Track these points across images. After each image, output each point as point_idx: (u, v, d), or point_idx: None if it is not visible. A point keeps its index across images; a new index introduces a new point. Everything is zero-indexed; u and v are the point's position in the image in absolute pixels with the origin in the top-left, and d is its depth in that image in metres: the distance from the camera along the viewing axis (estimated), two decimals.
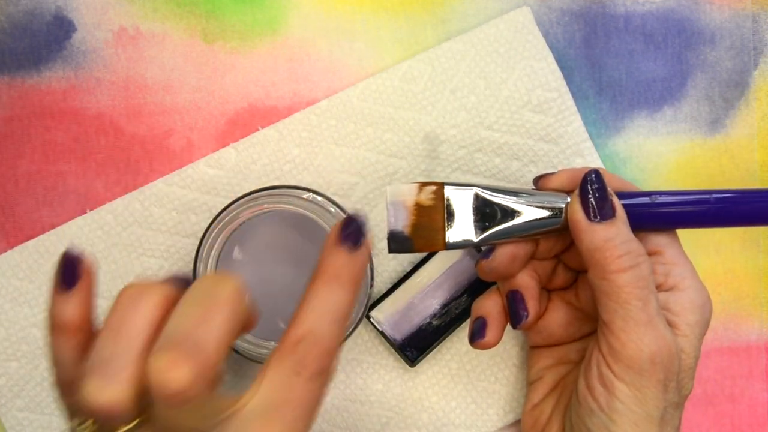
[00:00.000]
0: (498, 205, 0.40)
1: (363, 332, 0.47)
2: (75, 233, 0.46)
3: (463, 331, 0.47)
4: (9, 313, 0.46)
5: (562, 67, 0.47)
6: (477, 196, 0.40)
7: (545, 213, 0.40)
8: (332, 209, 0.41)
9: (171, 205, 0.46)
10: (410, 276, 0.46)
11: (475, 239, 0.40)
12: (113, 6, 0.47)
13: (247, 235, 0.44)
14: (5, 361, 0.46)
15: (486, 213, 0.40)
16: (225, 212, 0.41)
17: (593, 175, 0.38)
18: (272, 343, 0.42)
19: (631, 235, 0.38)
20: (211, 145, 0.47)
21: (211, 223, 0.41)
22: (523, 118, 0.47)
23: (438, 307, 0.46)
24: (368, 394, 0.47)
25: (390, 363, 0.47)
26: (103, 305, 0.46)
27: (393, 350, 0.46)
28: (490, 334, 0.42)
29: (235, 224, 0.41)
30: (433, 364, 0.47)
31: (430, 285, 0.46)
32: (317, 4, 0.47)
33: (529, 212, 0.40)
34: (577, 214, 0.38)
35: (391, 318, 0.46)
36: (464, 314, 0.46)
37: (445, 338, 0.46)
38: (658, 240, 0.40)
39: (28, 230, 0.47)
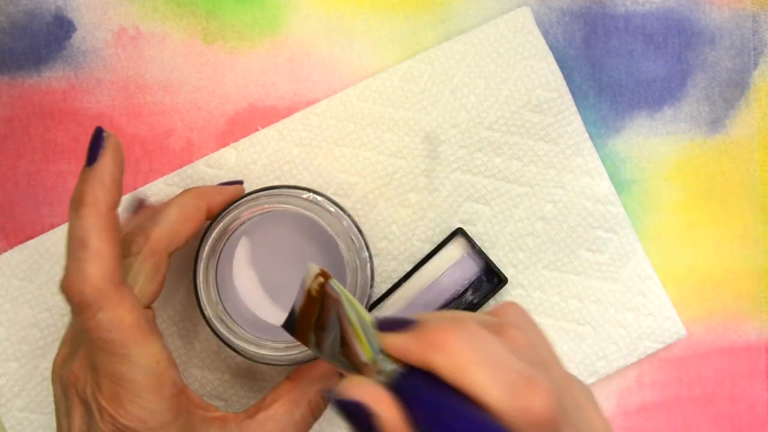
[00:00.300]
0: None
1: None
2: None
3: None
4: (9, 313, 0.46)
5: (562, 67, 0.47)
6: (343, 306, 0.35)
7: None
8: (332, 209, 0.41)
9: None
10: (410, 276, 0.46)
11: (321, 353, 0.35)
12: (113, 6, 0.47)
13: (248, 235, 0.44)
14: (5, 361, 0.46)
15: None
16: (225, 212, 0.41)
17: (339, 405, 0.31)
18: (270, 342, 0.41)
19: None
20: (211, 145, 0.47)
21: (212, 223, 0.41)
22: (523, 118, 0.47)
23: (437, 307, 0.46)
24: None
25: None
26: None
27: None
28: None
29: (236, 224, 0.41)
30: None
31: (431, 285, 0.46)
32: (317, 4, 0.47)
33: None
34: None
35: None
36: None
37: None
38: None
39: (28, 230, 0.47)
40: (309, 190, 0.42)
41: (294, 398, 0.40)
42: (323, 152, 0.47)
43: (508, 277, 0.46)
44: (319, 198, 0.42)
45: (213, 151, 0.47)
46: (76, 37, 0.47)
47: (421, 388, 0.30)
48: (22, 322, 0.46)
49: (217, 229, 0.41)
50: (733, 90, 0.48)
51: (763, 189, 0.48)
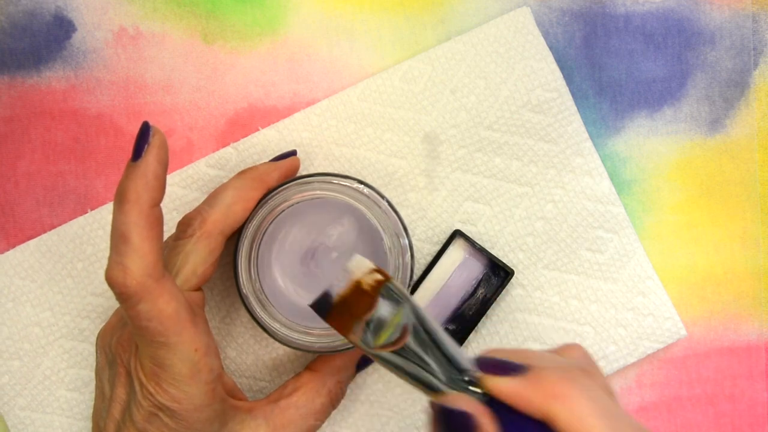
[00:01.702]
0: (414, 337, 0.35)
1: None
2: (75, 233, 0.46)
3: (471, 334, 0.46)
4: (11, 312, 0.46)
5: (562, 67, 0.47)
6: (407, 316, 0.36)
7: (429, 382, 0.35)
8: (383, 204, 0.42)
9: (172, 205, 0.46)
10: (418, 287, 0.46)
11: (371, 349, 0.36)
12: (113, 6, 0.47)
13: (294, 219, 0.44)
14: (7, 359, 0.46)
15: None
16: (275, 192, 0.41)
17: (444, 414, 0.33)
18: (303, 328, 0.42)
19: None
20: (211, 145, 0.47)
21: (260, 202, 0.41)
22: (523, 118, 0.47)
23: (450, 312, 0.46)
24: (368, 394, 0.47)
25: None
26: (104, 304, 0.46)
27: None
28: None
29: (283, 206, 0.41)
30: None
31: (441, 291, 0.46)
32: (317, 4, 0.47)
33: (424, 372, 0.35)
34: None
35: None
36: (478, 315, 0.46)
37: (464, 342, 0.46)
38: None
39: (28, 230, 0.47)
40: (360, 182, 0.42)
41: (315, 387, 0.42)
42: (323, 152, 0.47)
43: (513, 269, 0.46)
44: (370, 190, 0.42)
45: (213, 151, 0.47)
46: (76, 37, 0.47)
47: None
48: (24, 321, 0.46)
49: (263, 209, 0.41)
50: (733, 90, 0.48)
51: (763, 189, 0.48)
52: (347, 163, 0.46)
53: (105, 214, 0.46)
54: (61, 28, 0.47)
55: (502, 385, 0.33)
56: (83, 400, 0.47)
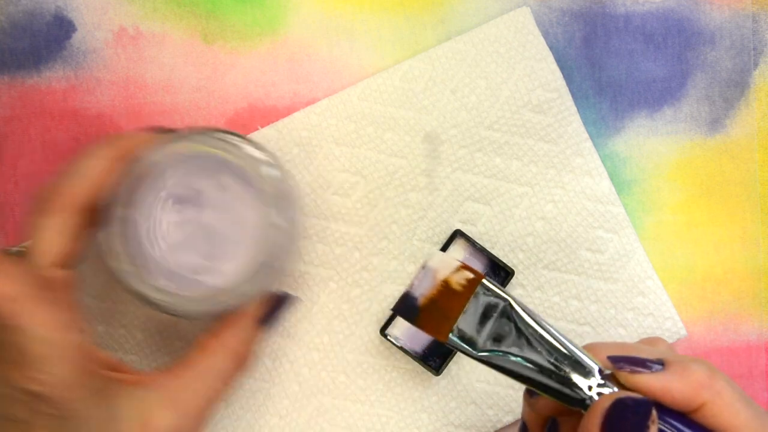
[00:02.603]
0: (522, 334, 0.34)
1: (363, 334, 0.47)
2: None
3: None
4: None
5: (562, 67, 0.47)
6: (506, 309, 0.34)
7: (559, 386, 0.33)
8: (247, 148, 0.38)
9: None
10: None
11: (476, 352, 0.34)
12: (113, 6, 0.47)
13: (163, 179, 0.39)
14: None
15: (503, 331, 0.34)
16: (142, 154, 0.38)
17: (631, 408, 0.31)
18: (186, 294, 0.38)
19: None
20: None
21: (126, 166, 0.38)
22: (524, 118, 0.47)
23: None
24: (368, 394, 0.47)
25: (390, 363, 0.47)
26: (99, 306, 0.46)
27: (414, 361, 0.46)
28: None
29: (150, 167, 0.38)
30: None
31: None
32: (317, 4, 0.47)
33: (542, 375, 0.33)
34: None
35: (407, 331, 0.46)
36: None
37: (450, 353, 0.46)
38: None
39: (27, 230, 0.47)
40: (235, 135, 0.39)
41: (215, 349, 0.39)
42: (323, 151, 0.47)
43: (513, 269, 0.46)
44: (230, 137, 0.39)
45: None
46: (76, 37, 0.47)
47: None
48: None
49: (129, 172, 0.38)
50: (733, 90, 0.48)
51: (763, 189, 0.48)
52: (347, 162, 0.46)
53: None
54: (61, 28, 0.47)
55: (649, 381, 0.32)
56: None
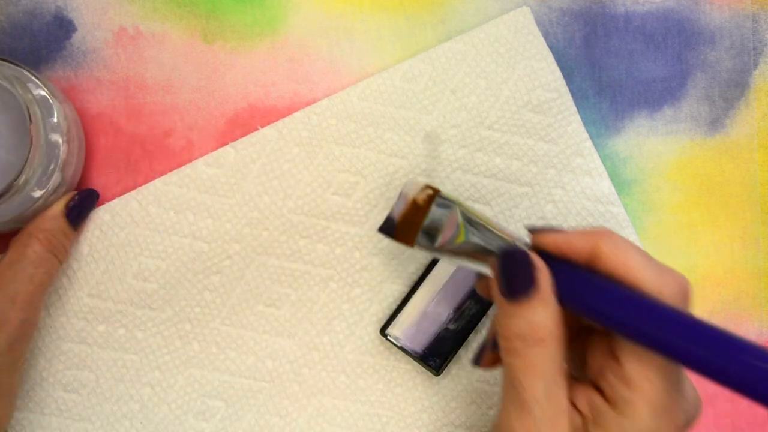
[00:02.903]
0: (468, 227, 0.40)
1: (363, 334, 0.47)
2: None
3: (472, 334, 0.46)
4: None
5: (562, 67, 0.47)
6: (458, 214, 0.40)
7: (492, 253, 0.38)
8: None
9: (169, 204, 0.46)
10: (418, 287, 0.46)
11: (434, 246, 0.40)
12: (113, 6, 0.47)
13: None
14: None
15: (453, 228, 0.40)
16: None
17: (513, 256, 0.36)
18: None
19: (542, 314, 0.34)
20: (211, 145, 0.47)
21: None
22: (524, 118, 0.47)
23: (451, 312, 0.46)
24: (368, 394, 0.47)
25: (390, 363, 0.47)
26: (100, 306, 0.46)
27: (414, 361, 0.46)
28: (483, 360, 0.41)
29: None
30: None
31: (439, 293, 0.46)
32: (317, 4, 0.47)
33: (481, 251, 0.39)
34: (494, 290, 0.36)
35: (408, 332, 0.46)
36: (479, 315, 0.46)
37: (465, 341, 0.46)
38: (622, 346, 0.34)
39: None
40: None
41: (23, 241, 0.42)
42: (323, 151, 0.46)
43: None
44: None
45: (212, 151, 0.47)
46: (76, 37, 0.47)
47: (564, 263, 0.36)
48: None
49: None
50: (733, 90, 0.48)
51: (763, 189, 0.48)
52: (347, 162, 0.46)
53: (102, 214, 0.46)
54: (61, 28, 0.47)
55: (551, 237, 0.36)
56: (80, 401, 0.46)
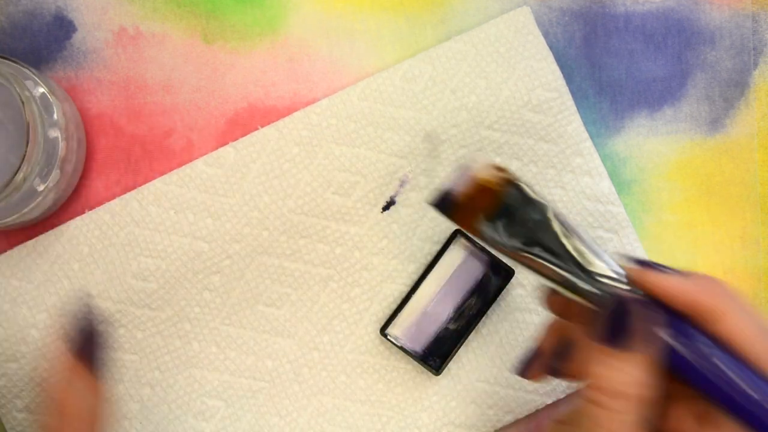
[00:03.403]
0: (556, 235, 0.35)
1: (363, 334, 0.47)
2: (73, 233, 0.46)
3: (472, 333, 0.46)
4: (8, 314, 0.46)
5: (562, 67, 0.47)
6: (547, 210, 0.36)
7: (589, 287, 0.34)
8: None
9: (169, 204, 0.46)
10: (418, 287, 0.46)
11: (507, 241, 0.36)
12: (113, 6, 0.47)
13: None
14: (5, 362, 0.46)
15: (536, 233, 0.36)
16: None
17: (627, 305, 0.32)
18: None
19: (640, 371, 0.31)
20: (211, 145, 0.47)
21: None
22: (524, 118, 0.47)
23: (451, 312, 0.46)
24: (368, 394, 0.47)
25: (390, 363, 0.47)
26: (99, 305, 0.46)
27: (414, 360, 0.46)
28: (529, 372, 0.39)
29: None
30: None
31: (439, 292, 0.46)
32: (317, 4, 0.47)
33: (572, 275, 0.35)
34: (584, 326, 0.33)
35: (407, 331, 0.46)
36: (478, 315, 0.46)
37: (464, 341, 0.46)
38: (718, 414, 0.32)
39: (27, 230, 0.47)
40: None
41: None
42: (323, 151, 0.46)
43: (514, 269, 0.46)
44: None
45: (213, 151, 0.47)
46: (76, 38, 0.47)
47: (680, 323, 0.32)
48: (21, 323, 0.46)
49: None
50: (733, 90, 0.48)
51: (763, 189, 0.48)
52: (347, 162, 0.46)
53: (102, 214, 0.46)
54: (61, 29, 0.47)
55: (667, 281, 0.32)
56: None
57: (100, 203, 0.47)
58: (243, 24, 0.47)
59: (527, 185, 0.36)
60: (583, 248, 0.34)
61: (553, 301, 0.38)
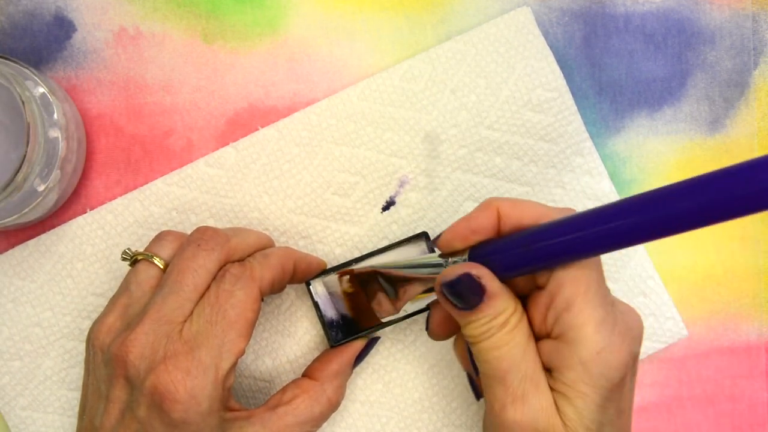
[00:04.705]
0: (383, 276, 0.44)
1: None
2: (75, 233, 0.46)
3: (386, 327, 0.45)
4: (11, 313, 0.46)
5: (562, 67, 0.47)
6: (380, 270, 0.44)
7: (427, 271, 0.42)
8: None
9: (171, 205, 0.46)
10: (364, 259, 0.45)
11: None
12: (113, 6, 0.47)
13: None
14: (8, 360, 0.46)
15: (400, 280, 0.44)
16: None
17: (449, 286, 0.37)
18: None
19: (499, 304, 0.36)
20: (211, 145, 0.47)
21: None
22: (524, 118, 0.47)
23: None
24: (368, 394, 0.47)
25: (390, 363, 0.47)
26: (103, 304, 0.46)
27: (318, 322, 0.46)
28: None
29: None
30: (434, 364, 0.47)
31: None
32: (317, 4, 0.47)
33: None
34: (447, 308, 0.38)
35: (324, 295, 0.45)
36: (412, 312, 0.45)
37: (376, 330, 0.45)
38: (557, 277, 0.36)
39: (28, 230, 0.47)
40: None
41: (314, 395, 0.42)
42: (323, 151, 0.47)
43: None
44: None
45: (213, 151, 0.47)
46: (76, 38, 0.47)
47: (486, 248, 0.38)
48: (24, 322, 0.46)
49: None
50: (733, 90, 0.48)
51: None
52: (347, 162, 0.46)
53: (104, 213, 0.46)
54: (62, 29, 0.47)
55: (453, 232, 0.38)
56: None
57: (100, 203, 0.47)
58: (243, 24, 0.47)
59: (359, 268, 0.44)
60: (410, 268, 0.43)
61: (436, 331, 0.42)
